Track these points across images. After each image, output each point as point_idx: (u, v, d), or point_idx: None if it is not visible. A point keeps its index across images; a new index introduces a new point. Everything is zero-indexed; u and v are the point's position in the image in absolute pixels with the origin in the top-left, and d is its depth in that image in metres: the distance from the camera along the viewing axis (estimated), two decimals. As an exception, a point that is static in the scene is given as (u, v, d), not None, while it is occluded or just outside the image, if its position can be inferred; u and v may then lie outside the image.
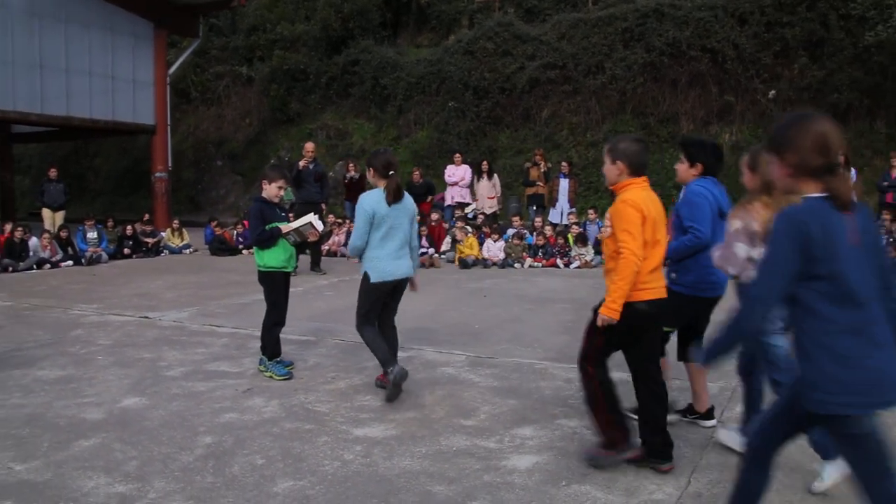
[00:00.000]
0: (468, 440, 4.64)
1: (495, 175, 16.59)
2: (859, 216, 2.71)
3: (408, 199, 5.50)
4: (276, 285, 6.11)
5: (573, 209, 15.59)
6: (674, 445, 4.23)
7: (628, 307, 4.02)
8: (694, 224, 4.52)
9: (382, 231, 5.34)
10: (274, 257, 6.04)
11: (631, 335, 4.22)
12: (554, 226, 15.08)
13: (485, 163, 16.45)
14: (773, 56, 18.79)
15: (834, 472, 3.81)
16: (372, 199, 5.34)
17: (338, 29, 24.51)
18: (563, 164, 16.14)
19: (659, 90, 20.11)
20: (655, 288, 4.12)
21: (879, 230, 4.30)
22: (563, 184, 15.66)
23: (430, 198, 16.92)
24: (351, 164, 17.87)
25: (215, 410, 5.21)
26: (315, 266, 12.41)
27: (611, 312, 4.02)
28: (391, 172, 5.38)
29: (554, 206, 15.80)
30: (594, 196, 18.97)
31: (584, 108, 20.86)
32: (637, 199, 4.02)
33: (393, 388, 5.30)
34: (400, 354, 6.65)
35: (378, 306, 5.54)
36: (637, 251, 3.94)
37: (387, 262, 5.40)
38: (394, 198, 5.32)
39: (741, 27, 19.02)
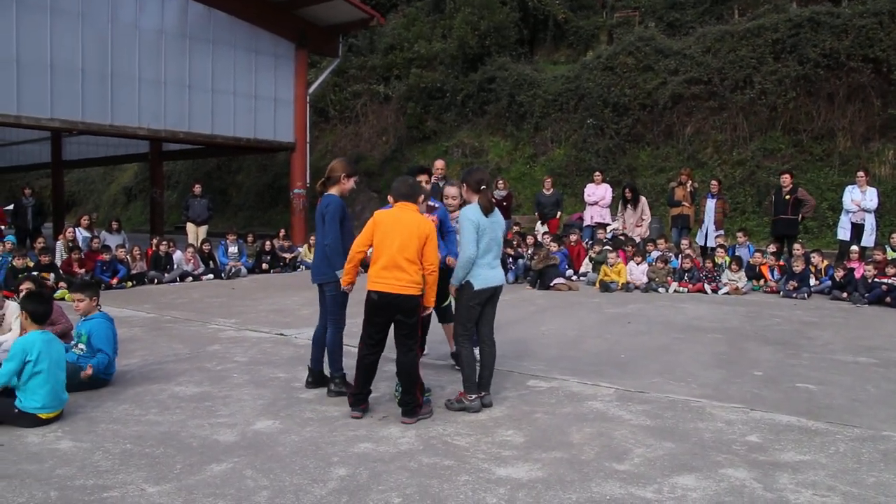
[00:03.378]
0: (622, 488, 4.15)
1: (642, 200, 15.75)
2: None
3: (497, 213, 5.77)
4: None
5: (720, 231, 14.68)
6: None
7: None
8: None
9: (484, 242, 5.57)
10: None
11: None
12: (703, 248, 14.23)
13: (627, 191, 15.69)
14: (947, 65, 17.31)
15: None
16: (475, 211, 5.60)
17: (474, 46, 24.41)
18: (713, 182, 15.23)
19: (813, 105, 18.89)
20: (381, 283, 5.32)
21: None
22: (710, 204, 14.78)
23: (558, 213, 16.37)
24: (501, 182, 17.13)
25: (349, 439, 4.93)
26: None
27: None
28: (483, 188, 5.66)
29: (700, 227, 14.95)
30: (741, 217, 17.94)
31: (730, 125, 19.85)
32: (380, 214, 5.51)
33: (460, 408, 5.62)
34: (542, 385, 6.31)
35: (476, 316, 5.69)
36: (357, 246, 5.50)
37: (486, 270, 5.61)
38: (487, 210, 5.60)
39: (909, 34, 17.62)
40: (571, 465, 4.47)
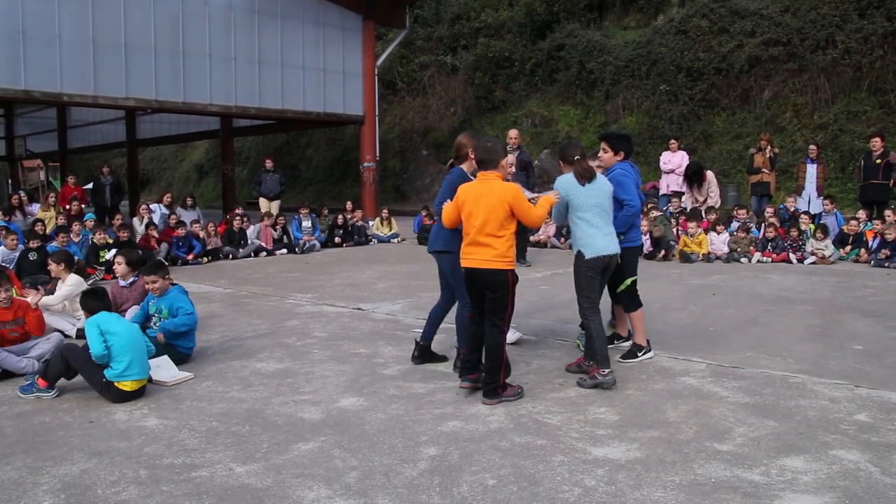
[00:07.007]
0: (727, 469, 3.93)
1: (708, 175, 15.05)
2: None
3: (601, 179, 5.69)
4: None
5: (822, 198, 14.00)
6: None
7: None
8: (627, 197, 5.91)
9: (587, 210, 5.51)
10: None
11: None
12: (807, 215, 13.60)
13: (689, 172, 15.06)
14: None
15: None
16: (565, 180, 5.62)
17: (542, 14, 23.96)
18: (812, 147, 14.58)
19: (902, 64, 17.97)
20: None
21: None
22: (811, 170, 14.19)
23: None
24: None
25: (437, 417, 4.81)
26: (520, 257, 11.82)
27: None
28: (577, 158, 5.61)
29: (800, 193, 14.33)
30: (824, 183, 17.23)
31: (811, 87, 19.06)
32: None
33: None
34: (632, 360, 6.07)
35: (598, 287, 5.58)
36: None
37: (598, 239, 5.52)
38: (583, 178, 5.54)
39: None
40: (670, 445, 4.27)
